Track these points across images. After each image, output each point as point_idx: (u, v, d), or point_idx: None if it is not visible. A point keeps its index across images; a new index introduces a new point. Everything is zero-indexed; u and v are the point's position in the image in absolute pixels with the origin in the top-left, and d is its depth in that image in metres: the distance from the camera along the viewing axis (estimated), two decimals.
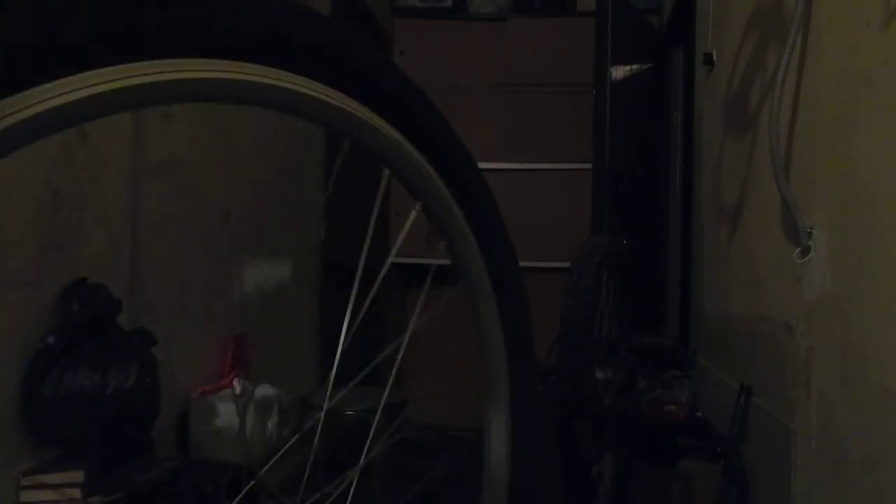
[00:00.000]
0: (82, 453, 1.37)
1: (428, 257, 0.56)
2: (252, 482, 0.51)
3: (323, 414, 0.55)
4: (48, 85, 0.32)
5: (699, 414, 2.27)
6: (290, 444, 0.59)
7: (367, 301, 0.54)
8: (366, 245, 0.54)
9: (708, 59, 2.50)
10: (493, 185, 0.62)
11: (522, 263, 0.68)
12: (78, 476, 1.32)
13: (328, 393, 0.54)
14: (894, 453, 1.08)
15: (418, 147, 0.53)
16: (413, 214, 0.53)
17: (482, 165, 0.61)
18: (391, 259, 0.57)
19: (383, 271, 0.54)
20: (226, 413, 1.79)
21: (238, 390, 1.83)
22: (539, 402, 0.69)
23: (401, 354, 0.57)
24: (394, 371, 0.58)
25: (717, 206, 2.42)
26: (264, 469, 0.53)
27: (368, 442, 0.56)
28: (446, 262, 0.61)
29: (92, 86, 0.33)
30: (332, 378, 0.52)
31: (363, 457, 0.55)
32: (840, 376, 1.29)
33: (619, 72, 2.90)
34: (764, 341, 1.79)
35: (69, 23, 0.32)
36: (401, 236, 0.55)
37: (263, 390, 1.88)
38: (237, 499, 0.50)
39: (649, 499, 1.95)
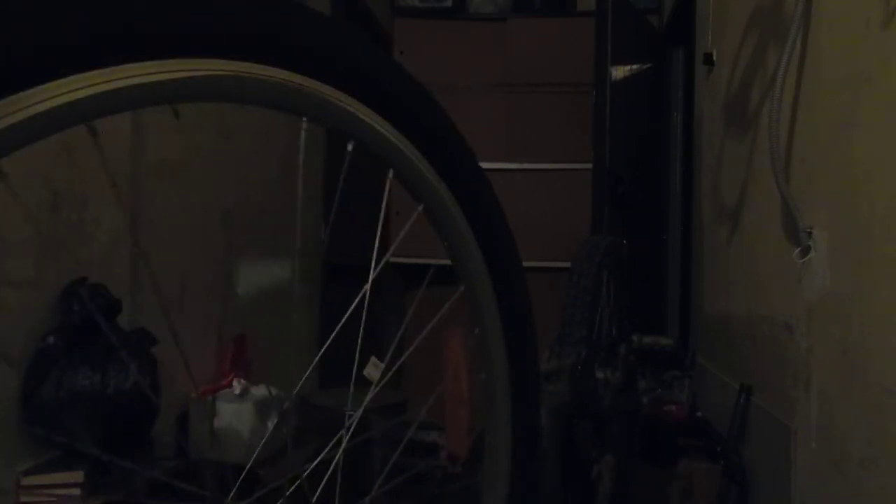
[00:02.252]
0: (82, 453, 1.37)
1: (428, 257, 0.56)
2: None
3: (293, 398, 0.55)
4: (48, 85, 0.32)
5: (699, 414, 2.27)
6: (268, 435, 0.59)
7: (360, 299, 0.54)
8: (376, 247, 0.54)
9: (708, 59, 2.50)
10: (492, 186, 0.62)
11: (522, 263, 0.67)
12: (78, 476, 1.32)
13: (301, 380, 0.54)
14: (894, 453, 1.08)
15: (420, 147, 0.53)
16: (413, 215, 0.53)
17: (482, 165, 0.61)
18: (387, 257, 0.57)
19: (374, 270, 0.54)
20: (226, 413, 1.78)
21: (238, 390, 1.83)
22: (539, 402, 0.69)
23: (405, 354, 0.56)
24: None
25: (717, 206, 2.42)
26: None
27: (347, 436, 0.56)
28: (447, 262, 0.61)
29: (92, 86, 0.33)
30: (305, 374, 0.52)
31: (345, 440, 0.55)
32: (840, 376, 1.29)
33: (619, 72, 2.89)
34: (764, 341, 1.79)
35: (69, 23, 0.32)
36: (399, 236, 0.55)
37: (263, 390, 1.88)
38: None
39: (649, 499, 1.95)
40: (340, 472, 0.54)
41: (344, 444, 0.54)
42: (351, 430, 0.55)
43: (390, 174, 0.51)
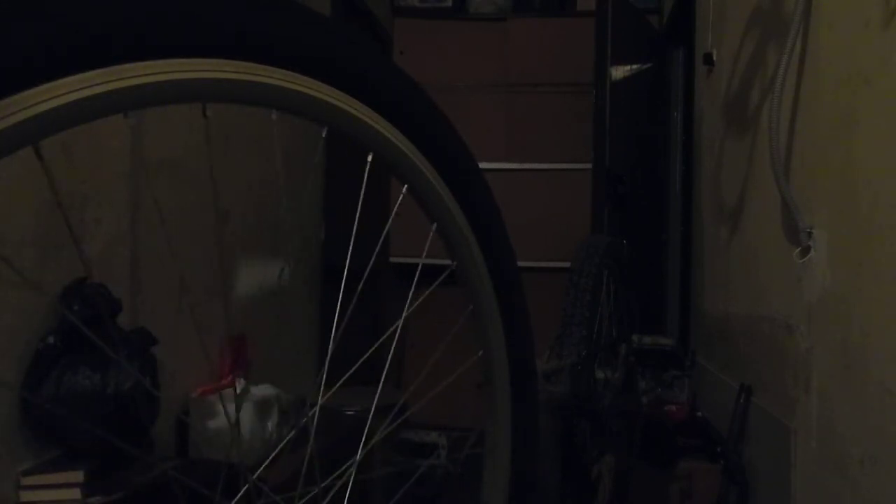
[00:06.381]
0: (82, 453, 1.37)
1: (428, 258, 0.56)
2: (248, 484, 0.51)
3: (317, 411, 0.55)
4: (48, 85, 0.32)
5: (699, 414, 2.27)
6: (285, 441, 0.59)
7: (350, 299, 0.54)
8: (376, 251, 0.54)
9: (708, 59, 2.50)
10: (492, 185, 0.63)
11: (522, 263, 0.68)
12: (78, 476, 1.32)
13: (321, 391, 0.54)
14: (894, 453, 1.08)
15: (420, 148, 0.53)
16: (397, 202, 0.53)
17: (482, 165, 0.61)
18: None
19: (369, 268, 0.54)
20: (226, 413, 1.78)
21: (238, 390, 1.83)
22: (539, 402, 0.69)
23: (394, 346, 0.56)
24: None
25: (717, 206, 2.42)
26: (260, 469, 0.53)
27: (363, 440, 0.56)
28: (447, 262, 0.61)
29: (91, 86, 0.33)
30: (323, 376, 0.52)
31: (358, 453, 0.55)
32: (840, 376, 1.29)
33: (619, 72, 2.89)
34: (764, 341, 1.79)
35: (69, 23, 0.32)
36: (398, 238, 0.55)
37: (263, 390, 1.88)
38: (235, 499, 0.50)
39: (649, 499, 1.95)
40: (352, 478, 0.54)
41: (359, 456, 0.54)
42: (364, 439, 0.55)
43: (404, 189, 0.51)
